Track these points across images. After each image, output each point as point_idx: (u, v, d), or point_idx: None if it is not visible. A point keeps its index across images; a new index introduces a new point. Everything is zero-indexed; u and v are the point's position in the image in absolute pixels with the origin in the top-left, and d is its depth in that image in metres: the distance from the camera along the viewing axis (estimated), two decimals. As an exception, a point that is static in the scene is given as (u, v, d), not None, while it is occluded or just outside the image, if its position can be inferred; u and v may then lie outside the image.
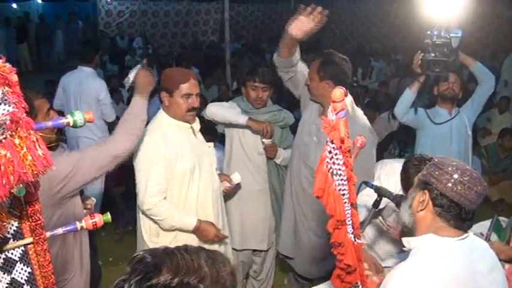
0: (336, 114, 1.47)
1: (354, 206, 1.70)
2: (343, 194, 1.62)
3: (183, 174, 2.99)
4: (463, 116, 3.93)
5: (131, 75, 2.72)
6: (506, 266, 2.25)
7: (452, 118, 3.94)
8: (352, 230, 1.73)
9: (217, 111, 3.65)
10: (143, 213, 3.03)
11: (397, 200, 2.55)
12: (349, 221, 1.70)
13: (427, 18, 3.49)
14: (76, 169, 2.22)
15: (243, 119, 3.51)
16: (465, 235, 1.81)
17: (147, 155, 2.91)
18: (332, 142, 1.52)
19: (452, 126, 3.79)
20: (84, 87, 5.21)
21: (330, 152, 1.55)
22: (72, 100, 5.25)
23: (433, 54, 3.56)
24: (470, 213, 1.79)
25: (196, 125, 3.15)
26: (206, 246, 3.14)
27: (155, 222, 3.03)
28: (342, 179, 1.58)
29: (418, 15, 3.56)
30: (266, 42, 15.82)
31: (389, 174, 3.20)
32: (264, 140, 3.56)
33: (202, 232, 3.03)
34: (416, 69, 3.76)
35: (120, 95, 7.72)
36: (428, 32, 3.55)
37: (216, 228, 3.09)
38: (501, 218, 3.31)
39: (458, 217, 1.77)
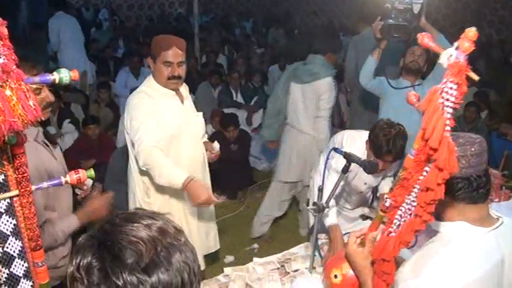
0: (465, 54, 1.29)
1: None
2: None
3: (164, 138, 2.99)
4: (424, 87, 3.98)
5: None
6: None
7: (414, 86, 3.99)
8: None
9: None
10: (139, 169, 3.03)
11: (365, 165, 2.68)
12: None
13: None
14: None
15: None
16: (497, 223, 1.66)
17: (138, 111, 2.95)
18: (451, 82, 1.31)
19: None
20: (70, 24, 7.80)
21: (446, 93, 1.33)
22: (65, 36, 7.62)
23: (392, 21, 3.61)
24: (480, 180, 1.60)
25: (185, 91, 3.18)
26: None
27: (149, 180, 3.07)
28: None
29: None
30: (235, 17, 15.73)
31: (349, 142, 3.33)
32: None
33: (192, 192, 2.82)
34: (377, 34, 3.82)
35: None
36: None
37: (209, 191, 2.87)
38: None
39: (470, 190, 1.60)
